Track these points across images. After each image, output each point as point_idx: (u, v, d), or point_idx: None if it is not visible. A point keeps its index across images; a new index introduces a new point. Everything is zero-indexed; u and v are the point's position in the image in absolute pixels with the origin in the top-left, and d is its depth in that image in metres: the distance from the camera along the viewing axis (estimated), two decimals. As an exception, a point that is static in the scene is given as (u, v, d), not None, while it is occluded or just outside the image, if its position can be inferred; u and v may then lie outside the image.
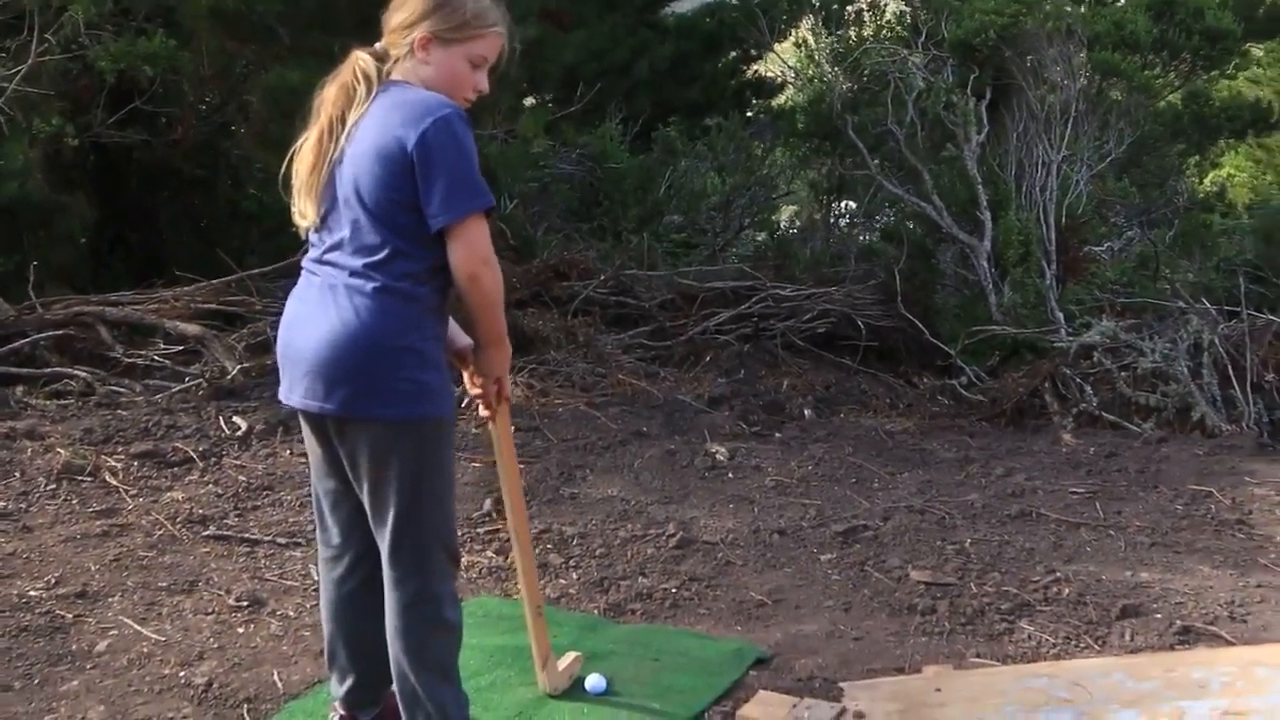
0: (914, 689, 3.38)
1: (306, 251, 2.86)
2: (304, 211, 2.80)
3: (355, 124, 2.73)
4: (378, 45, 2.84)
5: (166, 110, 8.08)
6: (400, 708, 2.90)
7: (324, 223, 2.77)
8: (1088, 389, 7.22)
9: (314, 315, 2.74)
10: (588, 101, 9.62)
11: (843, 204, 12.44)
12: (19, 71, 6.65)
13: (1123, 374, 7.26)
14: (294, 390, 2.79)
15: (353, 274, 2.70)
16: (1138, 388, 7.16)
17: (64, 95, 7.36)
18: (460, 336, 2.98)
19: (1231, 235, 12.28)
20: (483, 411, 3.10)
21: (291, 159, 2.83)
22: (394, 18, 2.83)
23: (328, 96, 2.79)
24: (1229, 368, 7.16)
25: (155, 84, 7.41)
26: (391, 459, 2.73)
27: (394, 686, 2.90)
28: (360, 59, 2.80)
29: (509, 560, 4.25)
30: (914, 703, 3.28)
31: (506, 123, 8.62)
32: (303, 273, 2.86)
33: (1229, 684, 3.02)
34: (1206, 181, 15.73)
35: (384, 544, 2.82)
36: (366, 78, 2.77)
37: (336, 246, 2.74)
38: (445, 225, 2.63)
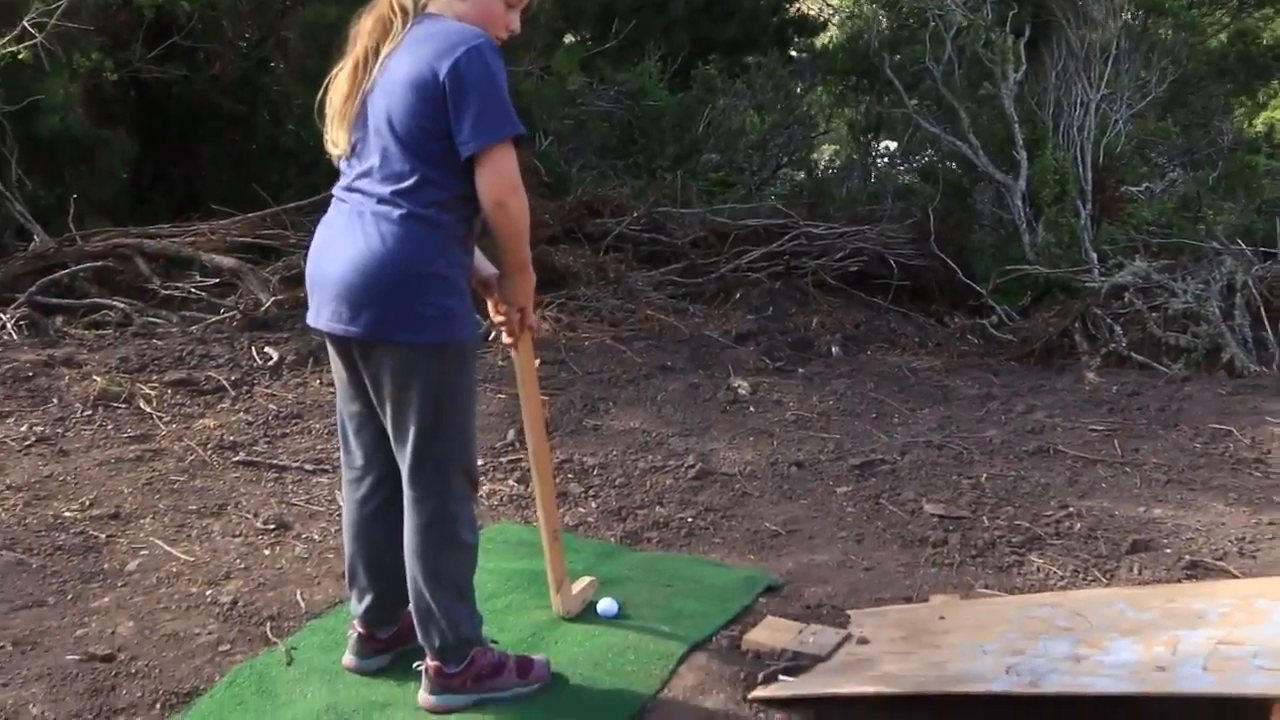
0: (919, 617, 3.45)
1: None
2: (336, 140, 2.86)
3: (389, 55, 2.78)
4: None
5: (205, 46, 8.15)
6: (415, 624, 2.99)
7: (354, 151, 2.83)
8: (1118, 329, 7.20)
9: (341, 240, 2.81)
10: (624, 38, 9.60)
11: (882, 143, 12.38)
12: (59, 6, 6.72)
13: (1153, 314, 7.25)
14: (321, 313, 2.86)
15: (380, 200, 2.76)
16: (1168, 328, 7.15)
17: (104, 30, 7.44)
18: (486, 265, 3.04)
19: (1275, 177, 12.11)
20: (505, 338, 3.17)
21: (326, 88, 2.89)
22: None
23: (364, 28, 2.84)
24: (1262, 309, 7.13)
25: (194, 20, 7.47)
26: (413, 381, 2.81)
27: (410, 604, 3.00)
28: None
29: (530, 489, 4.34)
30: (917, 630, 3.35)
31: (542, 59, 8.63)
32: (333, 200, 2.92)
33: (1227, 615, 3.06)
34: (1257, 123, 15.50)
35: (404, 464, 2.90)
36: (403, 10, 2.81)
37: (366, 174, 2.80)
38: (475, 152, 2.68)
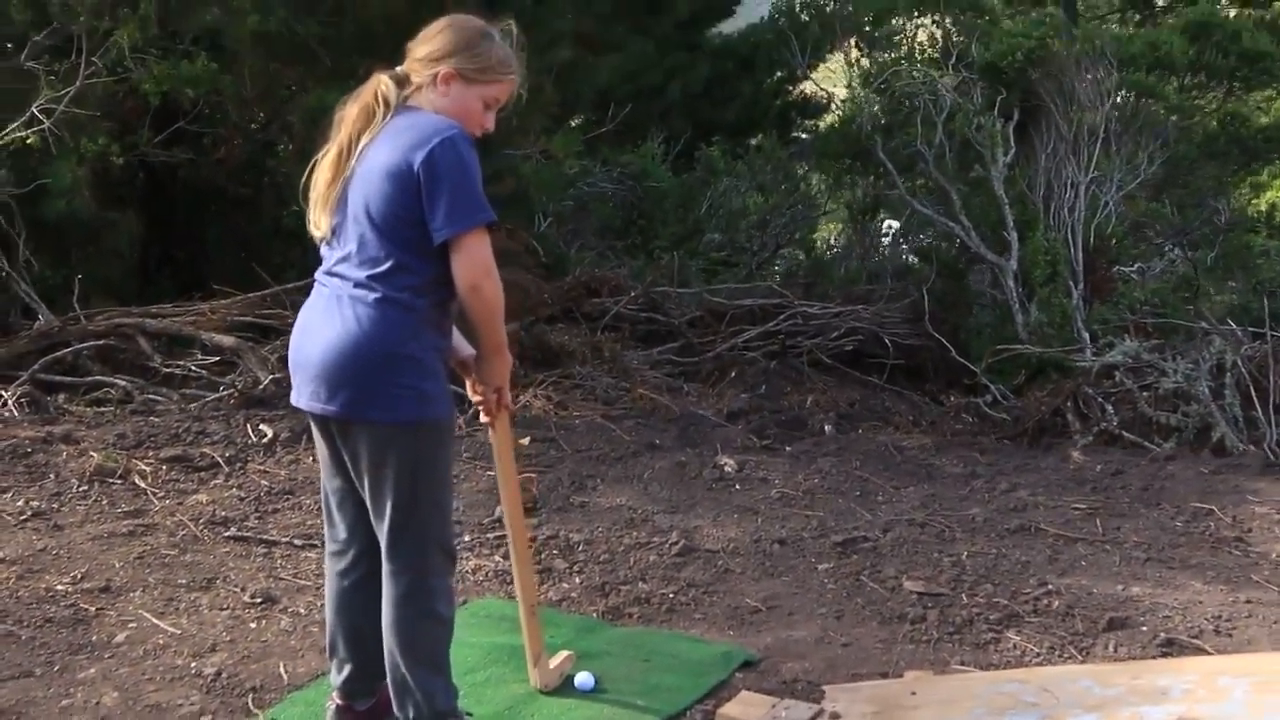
0: (891, 692, 3.50)
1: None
2: (318, 223, 2.99)
3: (369, 144, 2.92)
4: (399, 70, 3.02)
5: (211, 130, 8.33)
6: (391, 696, 3.06)
7: (335, 236, 2.96)
8: (1109, 408, 7.27)
9: (321, 323, 2.93)
10: (620, 122, 9.80)
11: (884, 223, 12.55)
12: (68, 93, 6.91)
13: (1144, 394, 7.31)
14: (301, 393, 2.99)
15: (357, 285, 2.88)
16: (1159, 407, 7.21)
17: (111, 116, 7.61)
18: (464, 346, 3.15)
19: (1270, 256, 12.23)
20: (483, 418, 3.27)
21: (311, 171, 3.01)
22: (421, 48, 3.01)
23: (349, 115, 2.97)
24: (1251, 388, 7.19)
25: (199, 105, 7.65)
26: (389, 459, 2.91)
27: (387, 677, 3.07)
28: (383, 83, 2.97)
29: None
30: (889, 705, 3.39)
31: (541, 143, 8.81)
32: (315, 284, 3.04)
33: (1190, 691, 3.11)
34: (1260, 203, 15.63)
35: (382, 538, 3.00)
36: (386, 101, 2.95)
37: (344, 259, 2.92)
38: (448, 238, 2.81)
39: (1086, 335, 8.25)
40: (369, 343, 2.85)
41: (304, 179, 3.02)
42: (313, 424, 3.11)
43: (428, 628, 3.03)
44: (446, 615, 3.07)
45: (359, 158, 2.90)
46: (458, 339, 3.12)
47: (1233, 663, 3.35)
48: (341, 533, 3.15)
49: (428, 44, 3.00)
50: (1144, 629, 3.99)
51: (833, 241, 13.42)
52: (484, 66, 2.99)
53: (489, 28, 3.03)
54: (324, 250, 3.02)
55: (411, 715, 3.03)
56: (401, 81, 2.99)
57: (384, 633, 3.04)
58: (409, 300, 2.87)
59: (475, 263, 2.83)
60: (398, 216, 2.84)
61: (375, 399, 2.87)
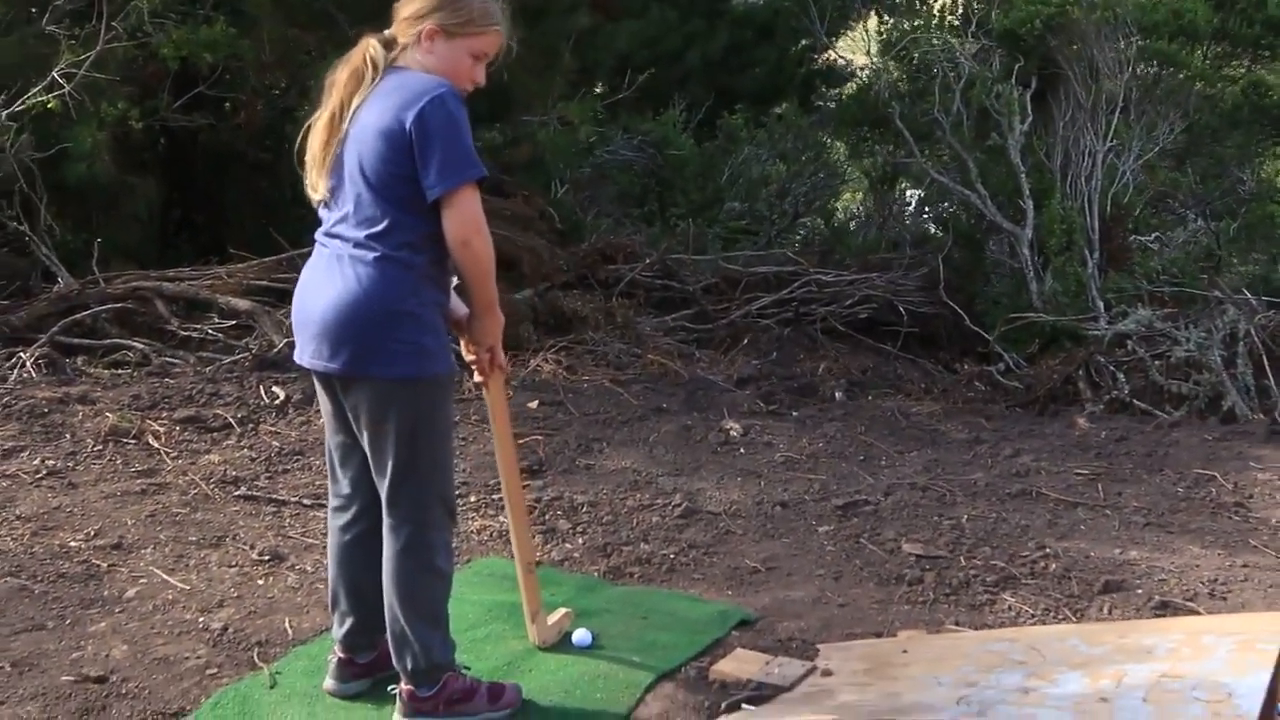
0: (883, 651, 3.55)
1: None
2: (315, 185, 3.06)
3: (360, 106, 2.97)
4: (386, 33, 3.07)
5: (231, 95, 8.39)
6: (390, 647, 3.14)
7: (332, 198, 3.02)
8: (1120, 377, 7.28)
9: (321, 283, 2.99)
10: (639, 89, 9.81)
11: (907, 191, 12.54)
12: (88, 58, 6.98)
13: (1156, 362, 7.32)
14: (304, 351, 3.06)
15: (356, 245, 2.94)
16: (1170, 376, 7.22)
17: (131, 81, 7.69)
18: (459, 306, 3.21)
19: (1291, 226, 12.13)
20: (476, 377, 3.33)
21: (305, 135, 3.07)
22: (405, 8, 3.06)
23: (339, 79, 3.03)
24: (1264, 357, 7.19)
25: (218, 70, 7.71)
26: (389, 414, 2.98)
27: (387, 630, 3.14)
28: (371, 46, 3.03)
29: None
30: (880, 662, 3.45)
31: (559, 110, 8.84)
32: (315, 245, 3.10)
33: (1174, 650, 3.15)
34: (1289, 171, 15.45)
35: (383, 493, 3.07)
36: (374, 64, 3.01)
37: (342, 220, 2.98)
38: (440, 195, 2.87)
39: (1101, 304, 8.25)
40: (369, 300, 2.91)
41: (298, 143, 3.08)
42: (316, 381, 3.18)
43: (427, 581, 3.10)
44: (446, 570, 3.14)
45: (352, 119, 2.96)
46: (454, 299, 3.18)
47: (1218, 623, 3.39)
48: (344, 488, 3.23)
49: (411, 4, 3.06)
50: (1139, 592, 4.03)
51: (855, 210, 13.43)
52: (465, 20, 3.03)
53: None
54: (322, 212, 3.07)
55: (409, 667, 3.10)
56: (389, 44, 3.05)
57: (384, 585, 3.11)
58: (407, 257, 2.93)
59: (466, 218, 2.89)
60: (392, 175, 2.90)
61: (376, 355, 2.94)
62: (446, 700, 3.12)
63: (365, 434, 3.04)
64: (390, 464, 3.02)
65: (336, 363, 2.97)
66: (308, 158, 3.04)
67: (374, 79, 2.98)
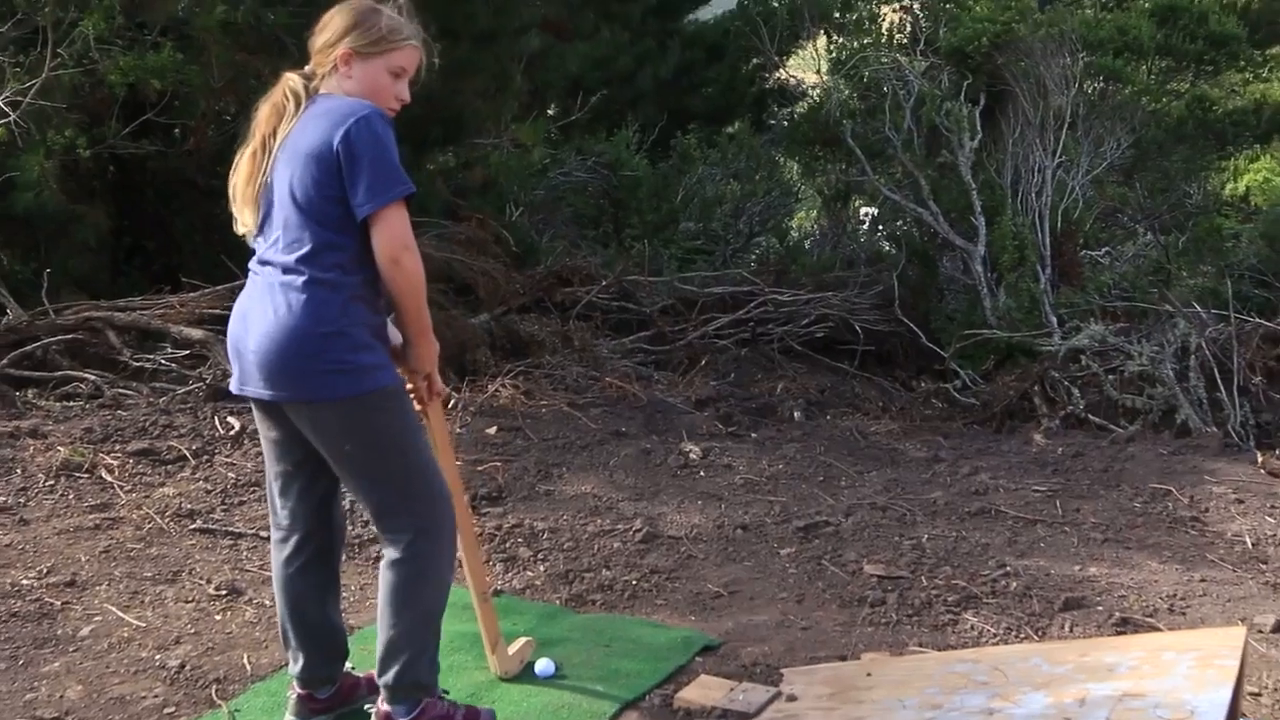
0: (847, 674, 3.55)
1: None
2: (244, 220, 3.05)
3: (286, 136, 2.98)
4: (306, 67, 3.09)
5: (180, 122, 8.31)
6: (378, 660, 3.11)
7: (262, 227, 3.01)
8: (1075, 392, 7.34)
9: (255, 312, 2.98)
10: (591, 110, 9.82)
11: (861, 210, 12.62)
12: (34, 85, 6.89)
13: (1110, 377, 7.39)
14: (246, 382, 3.03)
15: (285, 270, 2.93)
16: (1124, 390, 7.29)
17: (78, 108, 7.58)
18: (395, 334, 3.19)
19: (1240, 240, 12.32)
20: (415, 406, 3.30)
21: (232, 172, 3.07)
22: (318, 39, 3.08)
23: (261, 116, 3.05)
24: (1215, 371, 7.27)
25: (167, 96, 7.63)
26: (342, 436, 2.97)
27: (380, 646, 3.09)
28: (290, 79, 3.05)
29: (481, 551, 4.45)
30: (845, 686, 3.44)
31: (510, 132, 8.82)
32: (249, 274, 3.08)
33: (1136, 668, 3.16)
34: (1240, 185, 15.67)
35: (369, 514, 3.10)
36: (295, 95, 3.02)
37: (272, 245, 2.97)
38: (370, 213, 2.87)
39: (1054, 319, 8.34)
40: (301, 326, 2.90)
41: (229, 179, 3.08)
42: (256, 410, 3.16)
43: (421, 591, 3.08)
44: (445, 577, 3.13)
45: (280, 146, 2.96)
46: (390, 328, 3.16)
47: (1178, 639, 3.41)
48: (284, 519, 3.20)
49: (322, 33, 3.07)
50: (1100, 609, 4.06)
51: (809, 228, 13.50)
52: (376, 38, 3.04)
53: (376, 4, 3.09)
54: (254, 243, 3.06)
55: (392, 681, 3.08)
56: (309, 76, 3.06)
57: (379, 600, 3.09)
58: (337, 279, 2.92)
59: (394, 236, 2.88)
60: (323, 196, 2.89)
61: (315, 380, 2.92)
62: None
63: (330, 460, 3.03)
64: (365, 483, 3.02)
65: (277, 391, 2.95)
66: (234, 194, 3.05)
67: (296, 110, 2.98)
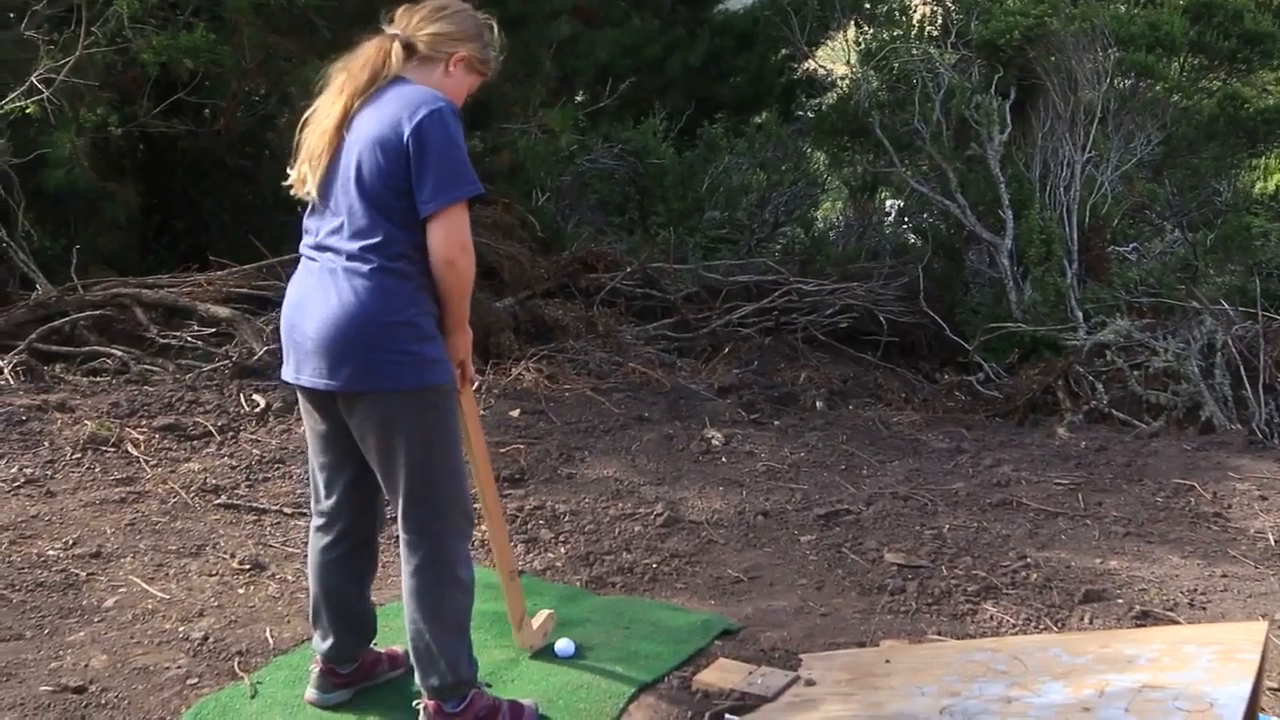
0: (865, 660, 3.55)
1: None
2: (303, 179, 2.97)
3: (358, 112, 2.93)
4: (404, 36, 3.00)
5: (211, 101, 8.36)
6: (415, 665, 3.09)
7: (322, 207, 2.95)
8: (1099, 387, 7.32)
9: (316, 298, 2.93)
10: (619, 97, 9.82)
11: (887, 201, 12.59)
12: (67, 63, 6.94)
13: (1135, 373, 7.36)
14: (301, 370, 2.97)
15: (350, 257, 2.88)
16: (1149, 386, 7.26)
17: (110, 86, 7.63)
18: None
19: (1270, 239, 12.23)
20: None
21: (303, 126, 3.00)
22: (432, 24, 3.01)
23: (353, 73, 2.96)
24: (1241, 368, 7.24)
25: (198, 76, 7.68)
26: (397, 429, 2.93)
27: (408, 646, 3.08)
28: (395, 49, 2.97)
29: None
30: (863, 672, 3.45)
31: (538, 118, 8.84)
32: (301, 259, 3.05)
33: (1155, 660, 3.16)
34: (1270, 184, 15.53)
35: (398, 509, 3.02)
36: (392, 67, 2.96)
37: (334, 231, 2.92)
38: (433, 211, 2.83)
39: (1080, 314, 8.30)
40: (368, 314, 2.86)
41: (298, 134, 3.00)
42: (305, 400, 3.11)
43: (450, 593, 3.05)
44: (466, 580, 3.10)
45: (350, 126, 2.91)
46: None
47: (1199, 632, 3.40)
48: (327, 507, 3.18)
49: (441, 22, 3.02)
50: (1120, 601, 4.05)
51: (835, 219, 13.47)
52: (486, 58, 3.09)
53: (488, 22, 3.10)
54: (309, 221, 3.03)
55: (436, 683, 3.05)
56: (409, 49, 3.00)
57: (405, 603, 3.06)
58: (404, 268, 2.89)
59: (453, 237, 2.86)
60: (387, 186, 2.86)
61: (379, 369, 2.88)
62: (473, 717, 3.09)
63: (374, 451, 2.98)
64: (403, 479, 2.97)
65: (338, 380, 2.90)
66: (304, 152, 2.96)
67: (377, 85, 2.93)
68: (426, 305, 2.95)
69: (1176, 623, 3.90)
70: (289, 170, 3.04)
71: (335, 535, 3.19)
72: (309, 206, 3.04)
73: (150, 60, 7.16)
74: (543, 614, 3.67)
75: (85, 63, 7.08)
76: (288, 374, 3.05)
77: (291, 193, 3.04)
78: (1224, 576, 4.27)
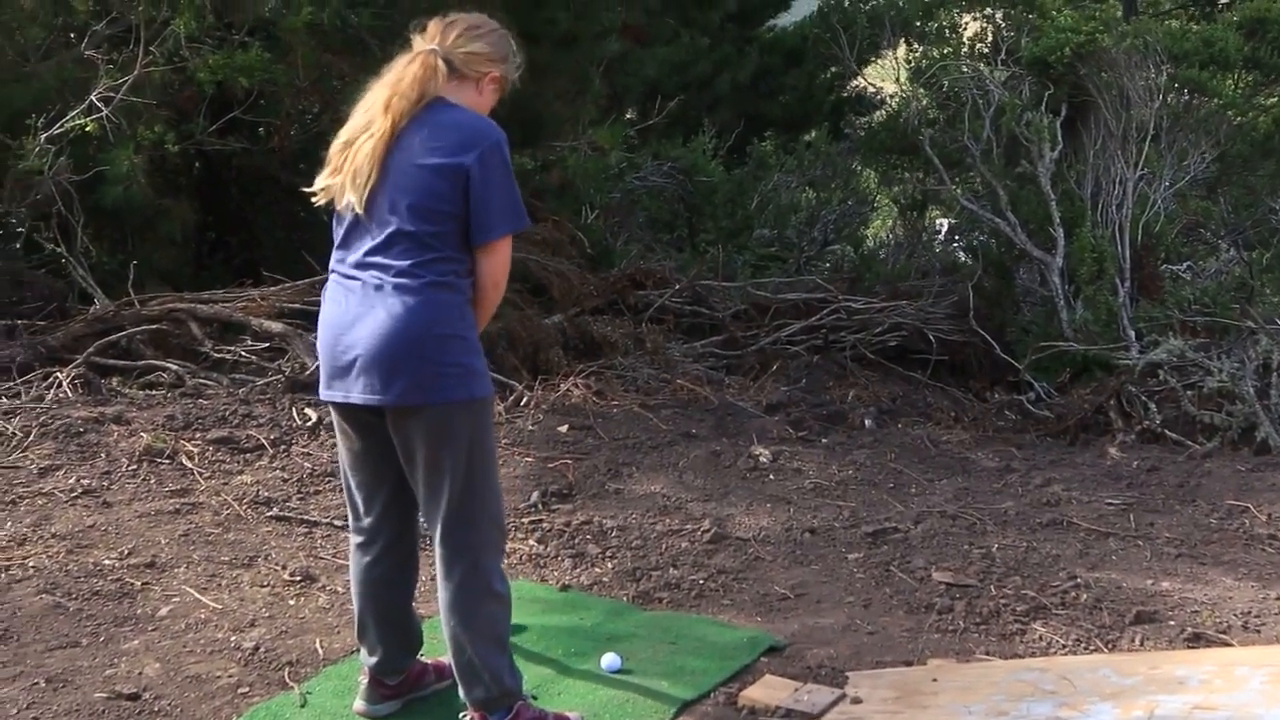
0: (913, 679, 3.54)
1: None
2: (341, 192, 2.98)
3: (403, 133, 2.96)
4: (445, 53, 3.03)
5: (266, 120, 8.48)
6: (458, 680, 3.13)
7: (366, 225, 2.97)
8: (1152, 407, 7.24)
9: (360, 315, 2.96)
10: (668, 115, 9.85)
11: (937, 219, 12.54)
12: (125, 82, 7.07)
13: (1188, 392, 7.28)
14: (350, 388, 2.99)
15: (398, 273, 2.93)
16: (1203, 406, 7.18)
17: (167, 105, 7.77)
18: None
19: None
20: None
21: (348, 140, 3.01)
22: (469, 43, 3.07)
23: (401, 91, 2.97)
24: (1297, 389, 7.14)
25: (253, 95, 7.79)
26: (447, 441, 2.97)
27: (449, 660, 3.14)
28: (441, 65, 3.01)
29: (548, 548, 4.52)
30: (910, 691, 3.44)
31: (588, 136, 8.89)
32: (334, 278, 3.06)
33: (1207, 681, 3.13)
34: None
35: (438, 522, 3.04)
36: (435, 85, 3.01)
37: (377, 250, 2.95)
38: (490, 240, 2.94)
39: (1132, 333, 8.22)
40: (421, 326, 2.91)
41: (336, 144, 3.03)
42: (343, 419, 3.13)
43: (488, 607, 3.08)
44: (504, 592, 3.13)
45: (398, 147, 2.95)
46: None
47: (1251, 654, 3.37)
48: (368, 525, 3.22)
49: (479, 42, 3.07)
50: (1171, 623, 4.01)
51: (885, 237, 13.43)
52: (510, 79, 3.17)
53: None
54: (345, 239, 3.03)
55: (481, 696, 3.09)
56: (450, 65, 3.03)
57: (444, 618, 3.08)
58: (453, 282, 2.96)
59: (502, 265, 3.01)
60: (441, 210, 2.92)
61: (433, 382, 2.93)
62: None
63: (421, 465, 3.00)
64: (448, 492, 3.00)
65: (391, 394, 2.93)
66: (351, 166, 2.96)
67: (420, 106, 2.97)
68: (472, 318, 3.03)
69: (1229, 645, 3.85)
70: (318, 180, 3.06)
71: (378, 552, 3.22)
72: (343, 226, 3.05)
73: (206, 79, 7.28)
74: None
75: (143, 81, 7.21)
76: (332, 395, 3.06)
77: (314, 201, 3.08)
78: (1278, 599, 4.21)
